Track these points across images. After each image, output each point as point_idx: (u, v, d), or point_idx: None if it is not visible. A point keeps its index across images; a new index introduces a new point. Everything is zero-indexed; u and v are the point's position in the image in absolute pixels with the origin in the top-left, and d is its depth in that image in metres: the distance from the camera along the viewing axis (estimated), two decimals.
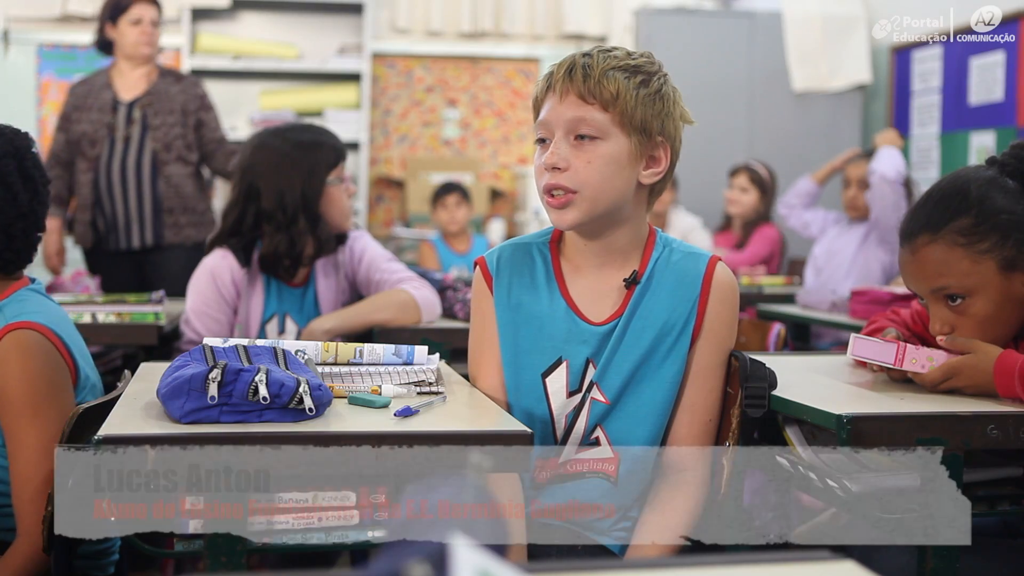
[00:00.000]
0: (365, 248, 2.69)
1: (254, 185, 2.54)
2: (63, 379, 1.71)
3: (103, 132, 3.93)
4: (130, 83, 4.02)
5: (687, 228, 5.10)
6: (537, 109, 1.65)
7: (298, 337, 2.55)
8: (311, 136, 2.61)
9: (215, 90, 6.28)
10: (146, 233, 3.92)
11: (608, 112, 1.58)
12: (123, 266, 3.95)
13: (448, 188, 5.30)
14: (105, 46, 4.07)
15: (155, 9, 4.05)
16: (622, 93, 1.58)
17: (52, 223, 4.02)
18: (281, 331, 2.59)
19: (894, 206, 3.76)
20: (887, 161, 3.91)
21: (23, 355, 1.67)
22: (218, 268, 2.54)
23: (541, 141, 1.64)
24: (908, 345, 1.67)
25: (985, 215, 1.64)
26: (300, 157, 2.56)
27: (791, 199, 4.47)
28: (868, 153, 4.20)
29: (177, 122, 3.93)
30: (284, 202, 2.53)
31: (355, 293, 2.73)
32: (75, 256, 4.25)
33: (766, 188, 4.86)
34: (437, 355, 1.69)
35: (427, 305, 2.62)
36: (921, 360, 1.65)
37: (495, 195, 6.50)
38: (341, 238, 2.66)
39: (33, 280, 1.82)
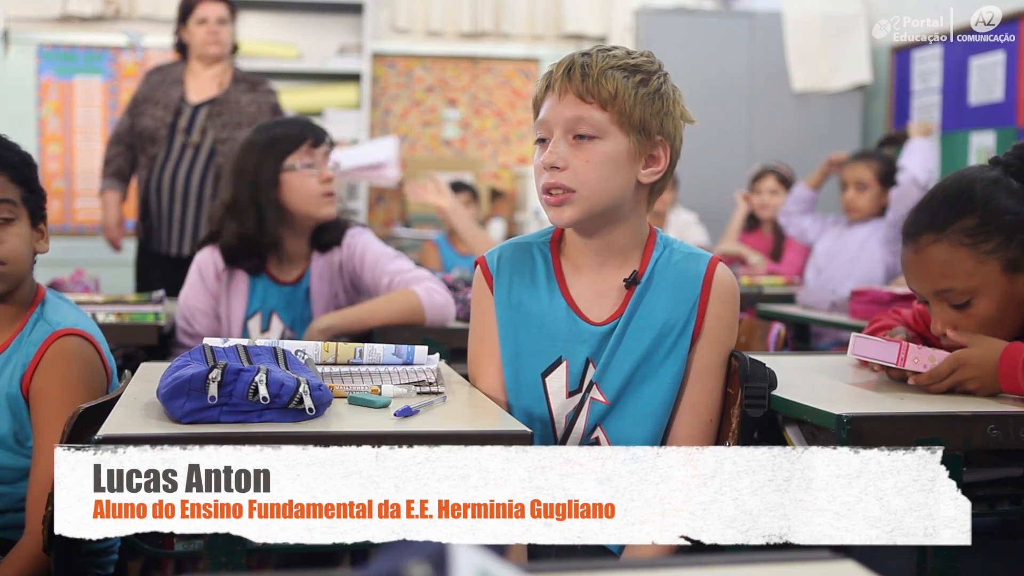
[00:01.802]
0: (366, 247, 2.60)
1: (226, 178, 2.57)
2: (100, 385, 1.75)
3: (163, 132, 3.88)
4: (201, 84, 3.95)
5: (683, 224, 5.10)
6: (537, 109, 1.66)
7: (283, 335, 2.54)
8: (275, 122, 2.61)
9: None
10: (185, 242, 3.87)
11: (606, 111, 1.58)
12: (163, 269, 3.92)
13: (456, 187, 5.27)
14: (182, 49, 4.04)
15: (222, 6, 3.96)
16: (620, 92, 1.58)
17: (113, 196, 4.04)
18: (265, 328, 2.56)
19: None
20: (920, 160, 3.84)
21: (68, 361, 1.70)
22: (204, 263, 2.56)
23: (541, 141, 1.64)
24: (911, 344, 1.67)
25: (990, 216, 1.64)
26: (257, 144, 2.53)
27: (789, 206, 4.44)
28: (862, 154, 4.19)
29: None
30: (239, 191, 2.52)
31: (357, 294, 2.67)
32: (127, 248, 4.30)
33: (792, 188, 4.85)
34: (437, 355, 1.69)
35: (434, 309, 2.53)
36: (923, 360, 1.65)
37: (495, 195, 6.50)
38: (336, 237, 2.61)
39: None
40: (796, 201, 4.41)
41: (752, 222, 5.00)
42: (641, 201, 1.66)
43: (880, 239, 3.98)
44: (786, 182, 4.81)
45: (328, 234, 2.59)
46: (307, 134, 2.54)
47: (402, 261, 2.62)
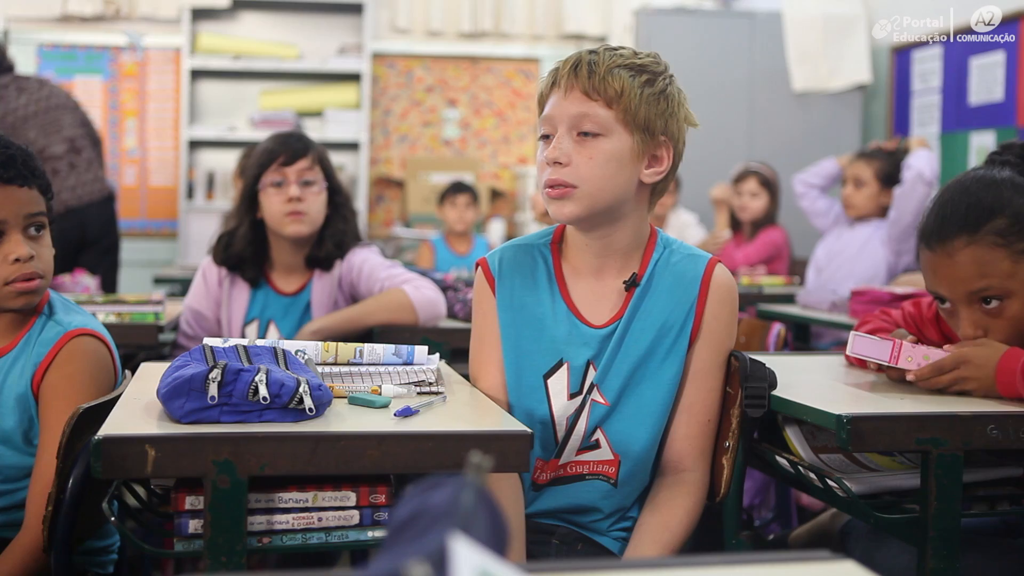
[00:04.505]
0: (365, 260, 2.61)
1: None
2: (110, 386, 1.75)
3: None
4: None
5: (683, 225, 5.11)
6: (541, 105, 1.65)
7: None
8: (267, 138, 2.65)
9: (215, 90, 6.34)
10: None
11: (612, 109, 1.58)
12: None
13: (460, 188, 5.26)
14: None
15: None
16: (626, 91, 1.58)
17: None
18: (262, 336, 2.58)
19: (917, 208, 3.71)
20: (926, 161, 3.84)
21: (81, 360, 1.70)
22: (208, 267, 2.64)
23: (545, 137, 1.64)
24: (904, 343, 1.67)
25: (1019, 215, 1.63)
26: (248, 159, 2.69)
27: (810, 178, 4.37)
28: (863, 153, 4.19)
29: None
30: (236, 203, 2.67)
31: None
32: None
33: (774, 190, 4.84)
34: (437, 355, 1.69)
35: (424, 305, 2.54)
36: (917, 359, 1.65)
37: (495, 195, 6.50)
38: (336, 253, 2.62)
39: None
40: (819, 174, 4.36)
41: (734, 224, 4.99)
42: (643, 201, 1.66)
43: (882, 238, 3.97)
44: (768, 184, 4.81)
45: (324, 249, 2.60)
46: (279, 152, 2.56)
47: (396, 268, 2.64)
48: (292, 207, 2.52)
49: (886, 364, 1.68)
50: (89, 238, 4.27)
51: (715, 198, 5.08)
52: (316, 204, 2.56)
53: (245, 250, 2.59)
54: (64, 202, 4.17)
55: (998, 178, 1.68)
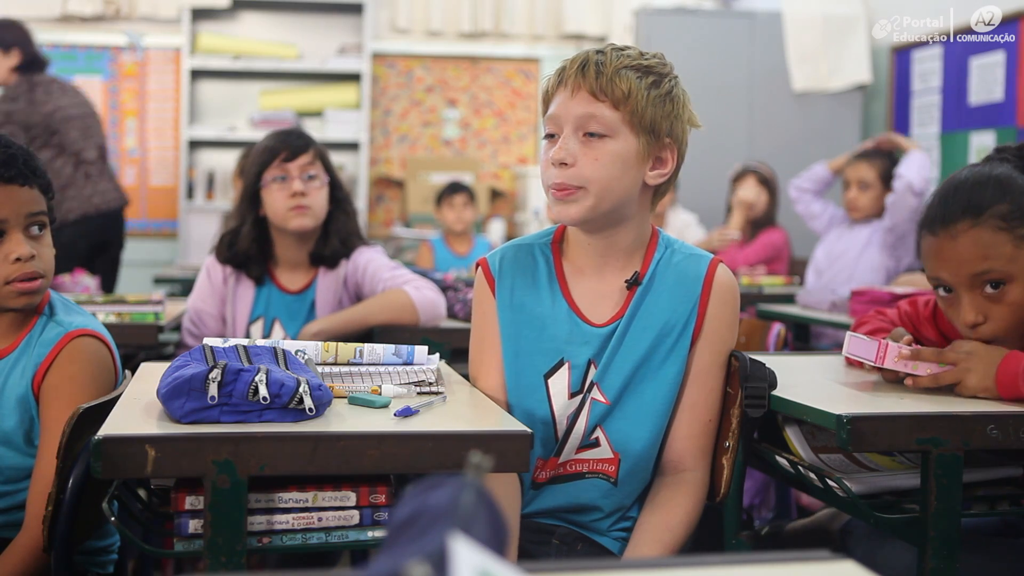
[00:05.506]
0: (370, 260, 2.63)
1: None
2: (110, 387, 1.75)
3: None
4: None
5: (683, 225, 5.10)
6: (547, 103, 1.65)
7: None
8: (268, 135, 2.65)
9: (215, 90, 6.34)
10: None
11: (618, 110, 1.58)
12: None
13: (456, 188, 5.25)
14: None
15: None
16: (634, 92, 1.58)
17: None
18: (267, 335, 2.58)
19: (910, 216, 3.73)
20: (917, 168, 3.85)
21: (82, 361, 1.70)
22: (212, 266, 2.65)
23: (549, 136, 1.64)
24: (891, 343, 1.67)
25: (1021, 202, 1.64)
26: (249, 157, 2.71)
27: (804, 183, 4.40)
28: (865, 154, 4.19)
29: None
30: (238, 200, 2.68)
31: None
32: None
33: (773, 188, 4.84)
34: (437, 355, 1.69)
35: (425, 305, 2.56)
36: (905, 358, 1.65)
37: (495, 195, 6.50)
38: (342, 251, 2.63)
39: None
40: (812, 179, 4.38)
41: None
42: (646, 202, 1.66)
43: (879, 244, 3.98)
44: (767, 182, 4.81)
45: (330, 247, 2.61)
46: (280, 148, 2.56)
47: (399, 269, 2.65)
48: (296, 201, 2.53)
49: (872, 364, 1.68)
50: (109, 242, 4.38)
51: (742, 199, 5.00)
52: (319, 198, 2.57)
53: (249, 248, 2.59)
54: (96, 205, 4.25)
55: (998, 170, 1.70)
